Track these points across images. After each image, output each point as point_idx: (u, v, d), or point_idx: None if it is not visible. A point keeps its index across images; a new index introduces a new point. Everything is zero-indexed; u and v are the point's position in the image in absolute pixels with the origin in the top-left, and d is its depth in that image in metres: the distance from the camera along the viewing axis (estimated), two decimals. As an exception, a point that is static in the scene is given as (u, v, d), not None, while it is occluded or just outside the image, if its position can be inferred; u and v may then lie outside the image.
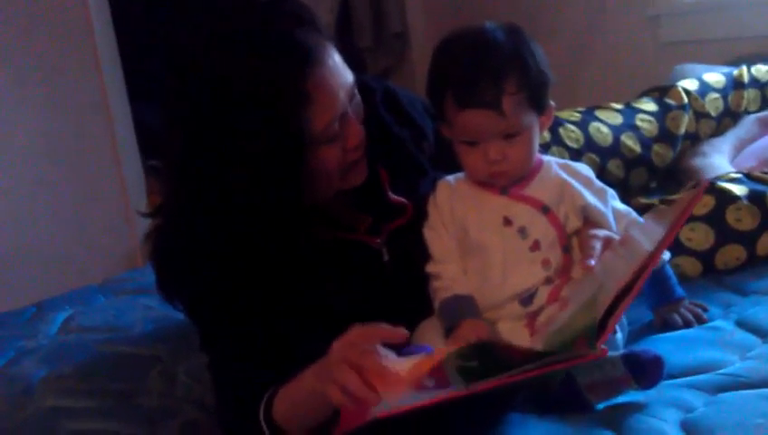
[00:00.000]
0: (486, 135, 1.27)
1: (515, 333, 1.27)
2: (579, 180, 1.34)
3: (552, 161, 1.36)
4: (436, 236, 1.36)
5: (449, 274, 1.34)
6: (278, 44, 1.19)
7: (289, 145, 1.20)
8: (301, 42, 1.20)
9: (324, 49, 1.23)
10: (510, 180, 1.31)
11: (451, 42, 1.32)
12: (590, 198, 1.32)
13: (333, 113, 1.23)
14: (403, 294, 1.34)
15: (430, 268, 1.36)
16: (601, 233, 1.29)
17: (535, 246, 1.29)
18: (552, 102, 1.33)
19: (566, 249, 1.31)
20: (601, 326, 1.04)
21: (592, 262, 1.24)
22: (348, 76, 1.27)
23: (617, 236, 1.29)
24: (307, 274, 1.30)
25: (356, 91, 1.30)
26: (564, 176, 1.33)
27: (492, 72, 1.25)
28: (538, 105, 1.30)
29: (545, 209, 1.30)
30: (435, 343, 1.25)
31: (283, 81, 1.18)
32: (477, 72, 1.25)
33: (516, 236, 1.30)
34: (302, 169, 1.22)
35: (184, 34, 1.26)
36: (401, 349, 1.19)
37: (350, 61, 1.30)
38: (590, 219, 1.32)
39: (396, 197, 1.40)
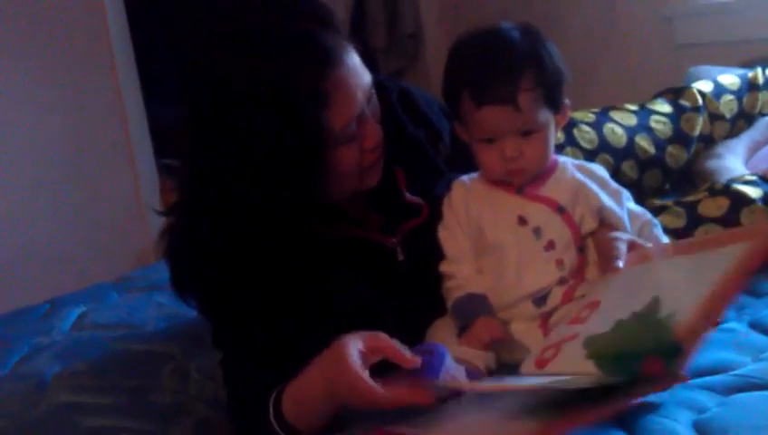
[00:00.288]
0: (503, 132, 1.27)
1: (529, 334, 1.27)
2: (594, 181, 1.34)
3: (567, 162, 1.36)
4: (451, 235, 1.36)
5: (463, 273, 1.34)
6: (298, 44, 1.19)
7: (307, 145, 1.20)
8: (320, 42, 1.20)
9: (343, 49, 1.23)
10: (526, 178, 1.31)
11: (466, 41, 1.33)
12: (606, 200, 1.32)
13: (351, 114, 1.23)
14: (417, 293, 1.34)
15: (444, 268, 1.36)
16: (624, 236, 1.29)
17: (550, 246, 1.29)
18: (567, 101, 1.33)
19: (581, 250, 1.30)
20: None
21: (620, 263, 1.24)
22: (366, 77, 1.27)
23: (637, 239, 1.29)
24: (321, 272, 1.30)
25: (373, 91, 1.30)
26: (580, 177, 1.33)
27: (507, 68, 1.26)
28: (554, 103, 1.30)
29: (561, 210, 1.30)
30: (447, 342, 1.25)
31: (302, 81, 1.18)
32: (493, 69, 1.26)
33: (531, 236, 1.29)
34: (320, 169, 1.23)
35: (202, 32, 1.26)
36: (413, 348, 1.20)
37: (363, 62, 1.30)
38: (605, 221, 1.31)
39: (412, 197, 1.40)
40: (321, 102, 1.19)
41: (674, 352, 1.01)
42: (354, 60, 1.25)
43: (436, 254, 1.36)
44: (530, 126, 1.27)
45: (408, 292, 1.34)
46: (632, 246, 1.27)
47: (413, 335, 1.26)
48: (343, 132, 1.23)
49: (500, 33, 1.30)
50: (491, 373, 1.24)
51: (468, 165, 1.37)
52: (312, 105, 1.18)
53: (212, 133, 1.24)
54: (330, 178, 1.25)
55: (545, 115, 1.29)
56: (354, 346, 1.15)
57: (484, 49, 1.30)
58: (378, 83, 1.35)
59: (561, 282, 1.29)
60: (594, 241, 1.31)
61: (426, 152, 1.45)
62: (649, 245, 1.29)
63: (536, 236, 1.29)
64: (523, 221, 1.30)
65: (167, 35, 4.09)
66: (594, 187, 1.33)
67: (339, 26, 1.26)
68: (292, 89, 1.18)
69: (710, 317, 1.03)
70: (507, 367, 1.26)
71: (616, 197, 1.34)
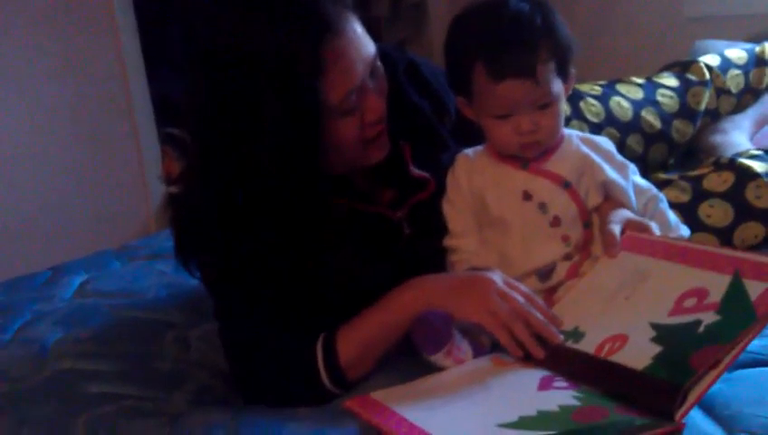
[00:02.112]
0: (521, 106, 1.25)
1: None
2: (600, 154, 1.33)
3: (573, 135, 1.35)
4: (454, 209, 1.36)
5: (467, 247, 1.34)
6: (297, 11, 1.18)
7: (303, 114, 1.19)
8: (320, 10, 1.18)
9: (345, 19, 1.22)
10: (540, 151, 1.30)
11: (473, 14, 1.30)
12: (612, 173, 1.31)
13: (350, 85, 1.22)
14: (423, 267, 1.33)
15: (448, 242, 1.36)
16: (619, 216, 1.28)
17: (555, 221, 1.28)
18: (573, 70, 1.32)
19: (587, 225, 1.30)
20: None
21: (616, 251, 1.25)
22: (369, 48, 1.25)
23: (635, 217, 1.28)
24: (326, 244, 1.29)
25: (378, 63, 1.28)
26: (586, 150, 1.32)
27: (525, 40, 1.24)
28: (564, 73, 1.29)
29: (566, 184, 1.29)
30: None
31: (300, 48, 1.16)
32: (511, 42, 1.24)
33: (536, 211, 1.29)
34: (317, 139, 1.22)
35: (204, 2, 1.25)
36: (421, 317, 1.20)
37: (367, 31, 1.28)
38: (610, 195, 1.31)
39: (418, 171, 1.39)
40: (317, 71, 1.18)
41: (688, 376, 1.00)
42: (357, 30, 1.24)
43: (442, 227, 1.36)
44: (547, 98, 1.26)
45: (415, 265, 1.34)
46: (630, 225, 1.27)
47: None
48: (341, 104, 1.22)
49: (509, 4, 1.27)
50: (494, 346, 1.23)
51: (474, 137, 1.36)
52: (308, 74, 1.17)
53: (213, 100, 1.23)
54: (330, 149, 1.24)
55: (558, 86, 1.27)
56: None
57: (494, 21, 1.27)
58: (384, 54, 1.34)
59: (567, 257, 1.28)
60: (598, 216, 1.30)
61: (432, 125, 1.44)
62: (651, 223, 1.28)
63: (541, 211, 1.29)
64: (528, 196, 1.29)
65: (169, 4, 4.07)
66: (600, 160, 1.32)
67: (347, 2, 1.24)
68: (290, 56, 1.16)
69: (723, 369, 1.02)
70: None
71: (622, 170, 1.33)
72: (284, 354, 1.27)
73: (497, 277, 1.22)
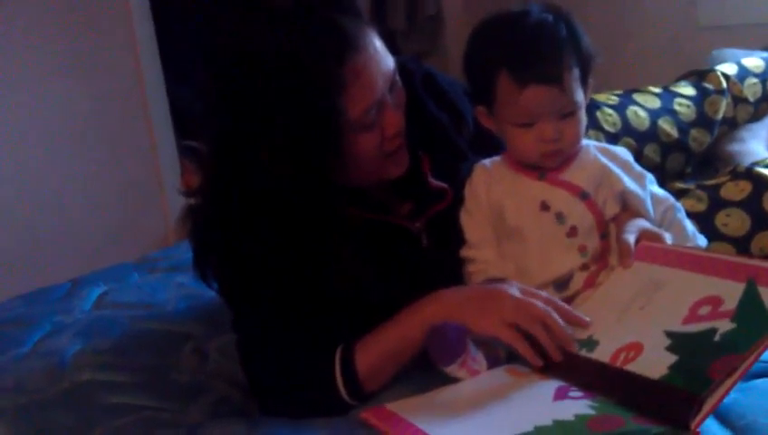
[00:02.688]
0: (545, 113, 1.25)
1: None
2: (618, 164, 1.32)
3: (590, 145, 1.34)
4: (472, 220, 1.36)
5: (484, 258, 1.33)
6: (318, 28, 1.18)
7: (322, 129, 1.19)
8: (341, 26, 1.19)
9: (365, 35, 1.22)
10: (561, 160, 1.30)
11: (495, 23, 1.30)
12: (629, 183, 1.30)
13: (370, 101, 1.22)
14: (441, 278, 1.33)
15: (465, 252, 1.36)
16: (634, 226, 1.28)
17: (572, 232, 1.28)
18: (591, 79, 1.32)
19: (604, 235, 1.29)
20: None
21: (631, 261, 1.24)
22: (389, 63, 1.26)
23: (649, 226, 1.28)
24: (343, 256, 1.30)
25: (397, 78, 1.28)
26: (603, 160, 1.32)
27: (551, 47, 1.24)
28: (586, 82, 1.29)
29: (583, 195, 1.29)
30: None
31: (321, 64, 1.17)
32: (538, 48, 1.24)
33: (553, 221, 1.28)
34: (337, 154, 1.22)
35: (226, 12, 1.25)
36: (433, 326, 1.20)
37: (384, 44, 1.29)
38: (628, 205, 1.30)
39: (436, 182, 1.39)
40: (339, 87, 1.18)
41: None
42: (376, 46, 1.24)
43: (461, 238, 1.36)
44: (571, 106, 1.26)
45: (433, 277, 1.34)
46: (644, 235, 1.26)
47: None
48: (361, 119, 1.22)
49: (532, 14, 1.28)
50: (509, 358, 1.23)
51: (492, 147, 1.36)
52: (328, 90, 1.17)
53: (231, 110, 1.24)
54: (349, 163, 1.25)
55: (581, 95, 1.28)
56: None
57: (519, 29, 1.27)
58: (401, 66, 1.34)
59: (584, 268, 1.28)
60: (615, 226, 1.30)
61: (450, 136, 1.44)
62: (665, 234, 1.28)
63: (559, 221, 1.28)
64: (545, 207, 1.29)
65: (188, 16, 4.09)
66: (617, 170, 1.31)
67: (361, 12, 1.25)
68: (311, 72, 1.17)
69: (738, 378, 1.01)
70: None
71: (639, 180, 1.33)
72: (301, 366, 1.27)
73: (513, 289, 1.22)
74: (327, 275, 1.28)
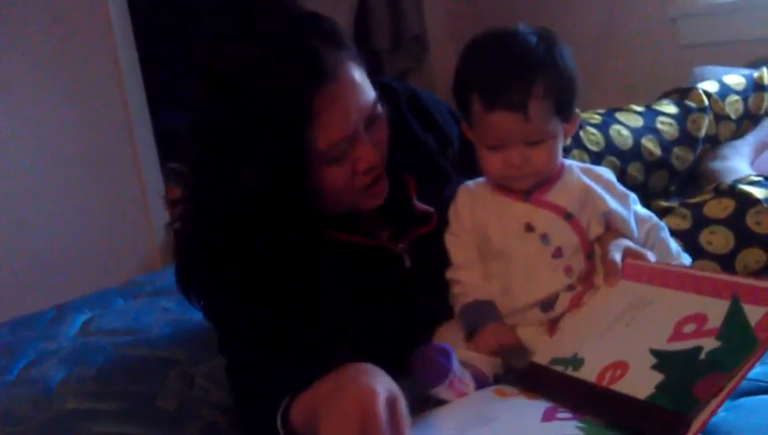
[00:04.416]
0: (510, 140, 1.25)
1: (535, 339, 1.27)
2: (601, 185, 1.32)
3: (573, 166, 1.34)
4: (457, 242, 1.35)
5: (470, 279, 1.33)
6: (296, 53, 1.17)
7: (289, 157, 1.19)
8: (319, 55, 1.18)
9: (344, 67, 1.21)
10: (529, 184, 1.30)
11: (481, 42, 1.30)
12: (613, 204, 1.31)
13: (339, 135, 1.21)
14: (424, 300, 1.33)
15: (450, 274, 1.36)
16: (621, 244, 1.28)
17: (557, 252, 1.28)
18: (578, 111, 1.31)
19: (589, 256, 1.29)
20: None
21: (617, 280, 1.24)
22: (367, 96, 1.24)
23: (633, 245, 1.28)
24: (323, 278, 1.29)
25: (378, 111, 1.27)
26: (587, 181, 1.32)
27: (520, 73, 1.23)
28: (564, 112, 1.27)
29: (568, 216, 1.29)
30: (454, 347, 1.24)
31: (292, 90, 1.16)
32: (506, 73, 1.23)
33: (538, 242, 1.28)
34: (304, 184, 1.21)
35: (207, 35, 1.25)
36: (419, 347, 1.19)
37: (368, 64, 1.28)
38: (612, 225, 1.31)
39: (421, 205, 1.38)
40: (308, 116, 1.17)
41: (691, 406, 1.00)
42: (354, 78, 1.22)
43: (444, 260, 1.36)
44: (538, 136, 1.25)
45: (415, 298, 1.33)
46: (628, 253, 1.26)
47: (419, 341, 1.25)
48: (329, 152, 1.21)
49: (516, 36, 1.27)
50: (497, 379, 1.23)
51: (477, 168, 1.36)
52: (297, 121, 1.17)
53: (208, 138, 1.23)
54: (321, 192, 1.24)
55: (554, 125, 1.26)
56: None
57: (497, 51, 1.27)
58: (387, 86, 1.34)
59: (569, 288, 1.28)
60: (599, 246, 1.30)
61: (434, 158, 1.44)
62: (648, 253, 1.28)
63: (543, 242, 1.28)
64: (530, 228, 1.29)
65: (171, 41, 4.11)
66: (601, 190, 1.31)
67: (345, 44, 1.24)
68: (282, 97, 1.16)
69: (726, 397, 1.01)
70: (514, 372, 1.25)
71: (623, 201, 1.33)
72: (262, 400, 1.23)
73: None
74: (308, 297, 1.28)
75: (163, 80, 3.72)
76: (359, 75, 1.23)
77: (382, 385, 1.05)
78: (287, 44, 1.18)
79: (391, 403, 1.04)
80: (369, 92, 1.25)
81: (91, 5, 3.31)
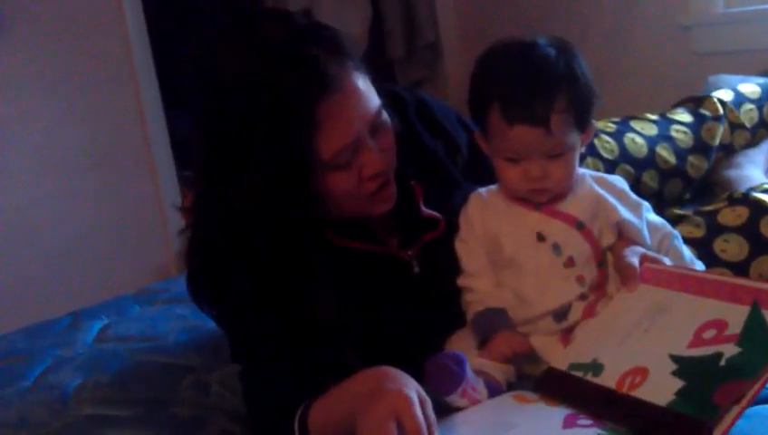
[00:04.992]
0: (530, 153, 1.25)
1: (548, 348, 1.27)
2: (613, 194, 1.32)
3: (586, 174, 1.34)
4: (467, 249, 1.36)
5: (482, 287, 1.33)
6: (299, 62, 1.18)
7: (292, 165, 1.19)
8: (322, 64, 1.18)
9: (347, 76, 1.21)
10: (549, 197, 1.29)
11: (501, 52, 1.29)
12: (625, 213, 1.30)
13: (343, 143, 1.21)
14: (433, 306, 1.33)
15: (462, 281, 1.36)
16: (636, 251, 1.27)
17: (569, 262, 1.28)
18: (594, 121, 1.31)
19: (601, 265, 1.29)
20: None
21: (636, 284, 1.24)
22: (371, 104, 1.24)
23: (649, 252, 1.28)
24: (336, 286, 1.30)
25: (383, 118, 1.27)
26: (599, 190, 1.32)
27: (543, 88, 1.22)
28: (583, 124, 1.27)
29: (580, 225, 1.29)
30: (467, 354, 1.24)
31: (295, 99, 1.17)
32: (528, 88, 1.23)
33: (550, 252, 1.28)
34: (308, 191, 1.22)
35: (215, 42, 1.26)
36: (432, 356, 1.20)
37: (381, 73, 1.28)
38: (624, 234, 1.30)
39: (429, 211, 1.39)
40: (309, 129, 1.18)
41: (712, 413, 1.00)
42: (358, 87, 1.22)
43: (452, 267, 1.36)
44: (558, 149, 1.25)
45: (424, 305, 1.34)
46: (645, 259, 1.26)
47: (429, 348, 1.26)
48: (333, 160, 1.21)
49: (536, 48, 1.26)
50: (510, 387, 1.23)
51: (486, 173, 1.36)
52: (300, 129, 1.17)
53: (210, 145, 1.24)
54: (326, 199, 1.25)
55: (573, 137, 1.26)
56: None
57: (518, 64, 1.26)
58: (394, 94, 1.34)
59: (582, 298, 1.28)
60: (612, 256, 1.30)
61: (443, 165, 1.44)
62: (664, 258, 1.28)
63: (555, 252, 1.28)
64: (541, 238, 1.29)
65: (187, 46, 4.13)
66: (613, 200, 1.31)
67: (348, 52, 1.23)
68: (284, 106, 1.16)
69: (747, 404, 1.01)
70: (528, 380, 1.26)
71: (635, 209, 1.33)
72: (275, 409, 1.25)
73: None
74: (313, 306, 1.28)
75: (179, 85, 3.74)
76: (362, 83, 1.24)
77: (413, 389, 1.08)
78: (289, 54, 1.18)
79: (421, 405, 1.07)
80: (374, 100, 1.25)
81: (105, 8, 3.33)
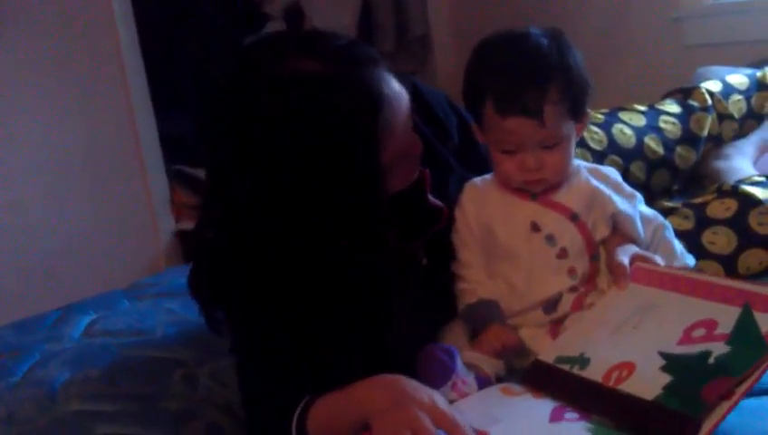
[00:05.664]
0: (525, 144, 1.25)
1: (537, 340, 1.27)
2: (609, 185, 1.32)
3: (581, 166, 1.34)
4: (461, 240, 1.36)
5: (474, 277, 1.33)
6: (346, 92, 1.15)
7: (362, 182, 1.17)
8: (367, 85, 1.16)
9: (386, 83, 1.19)
10: (545, 187, 1.29)
11: (492, 45, 1.29)
12: (621, 204, 1.30)
13: (399, 145, 1.20)
14: (441, 297, 1.33)
15: (455, 269, 1.36)
16: (628, 250, 1.27)
17: (562, 253, 1.28)
18: (589, 110, 1.30)
19: (593, 258, 1.29)
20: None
21: (627, 283, 1.24)
22: (406, 98, 1.23)
23: (642, 252, 1.28)
24: (340, 281, 1.28)
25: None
26: (594, 182, 1.32)
27: (536, 79, 1.22)
28: (577, 113, 1.27)
29: (574, 217, 1.29)
30: (458, 347, 1.24)
31: (356, 127, 1.14)
32: (521, 80, 1.22)
33: (544, 243, 1.28)
34: (380, 197, 1.20)
35: (252, 73, 1.19)
36: (424, 348, 1.20)
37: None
38: (619, 226, 1.30)
39: (434, 200, 1.37)
40: (373, 146, 1.16)
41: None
42: (395, 90, 1.20)
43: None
44: (553, 140, 1.25)
45: (433, 296, 1.33)
46: (636, 258, 1.26)
47: (434, 338, 1.26)
48: (392, 161, 1.20)
49: (528, 39, 1.26)
50: (499, 380, 1.23)
51: (478, 159, 1.36)
52: (365, 149, 1.15)
53: (264, 171, 1.18)
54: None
55: (568, 127, 1.26)
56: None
57: (510, 56, 1.25)
58: None
59: (573, 290, 1.28)
60: (605, 249, 1.30)
61: (436, 149, 1.43)
62: (656, 258, 1.28)
63: (549, 243, 1.28)
64: (536, 228, 1.29)
65: (176, 42, 4.13)
66: (608, 191, 1.31)
67: (375, 57, 1.22)
68: (346, 135, 1.14)
69: (737, 401, 1.01)
70: (517, 373, 1.26)
71: (630, 200, 1.33)
72: (272, 408, 1.24)
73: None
74: (326, 301, 1.26)
75: (168, 82, 3.73)
76: (396, 85, 1.21)
77: (426, 397, 1.10)
78: (336, 85, 1.15)
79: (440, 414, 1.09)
80: (404, 92, 1.23)
81: (95, 7, 3.32)
